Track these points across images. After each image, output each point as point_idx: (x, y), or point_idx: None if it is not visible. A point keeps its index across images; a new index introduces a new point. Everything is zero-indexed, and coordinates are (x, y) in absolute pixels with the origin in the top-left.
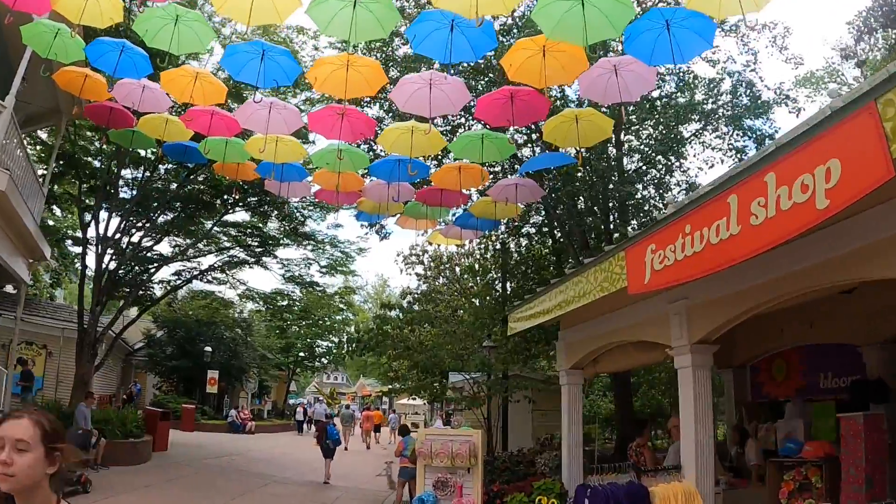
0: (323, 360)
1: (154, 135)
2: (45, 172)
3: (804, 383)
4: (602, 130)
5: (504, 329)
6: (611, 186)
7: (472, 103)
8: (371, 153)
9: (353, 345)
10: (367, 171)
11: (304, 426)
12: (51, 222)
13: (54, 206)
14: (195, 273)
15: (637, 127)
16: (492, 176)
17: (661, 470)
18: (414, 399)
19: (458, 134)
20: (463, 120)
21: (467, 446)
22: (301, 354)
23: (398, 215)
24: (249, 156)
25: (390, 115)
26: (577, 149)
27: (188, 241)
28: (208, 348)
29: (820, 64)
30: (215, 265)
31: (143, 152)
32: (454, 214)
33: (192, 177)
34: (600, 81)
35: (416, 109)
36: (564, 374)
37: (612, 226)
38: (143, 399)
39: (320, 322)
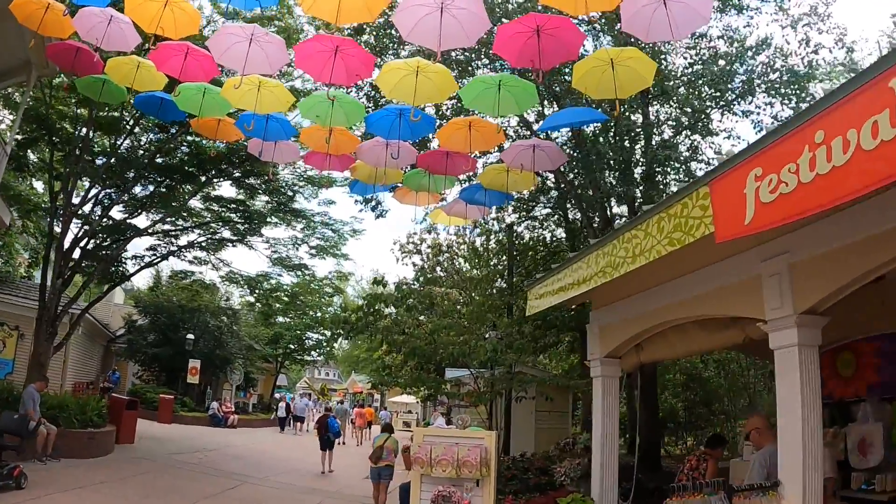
0: (313, 353)
1: (124, 82)
2: (10, 131)
3: (879, 380)
4: (642, 78)
5: (512, 319)
6: (638, 155)
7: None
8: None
9: (340, 326)
10: (362, 127)
11: (288, 423)
12: (27, 195)
13: (33, 179)
14: (172, 249)
15: (667, 92)
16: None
17: (756, 489)
18: (408, 396)
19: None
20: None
21: (477, 452)
22: (290, 346)
23: (396, 186)
24: (229, 107)
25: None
26: (613, 100)
27: (164, 213)
28: (190, 336)
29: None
30: (195, 241)
31: (117, 114)
32: (459, 186)
33: (171, 145)
34: (645, 13)
35: (422, 40)
36: (598, 363)
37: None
38: (121, 388)
39: (310, 312)
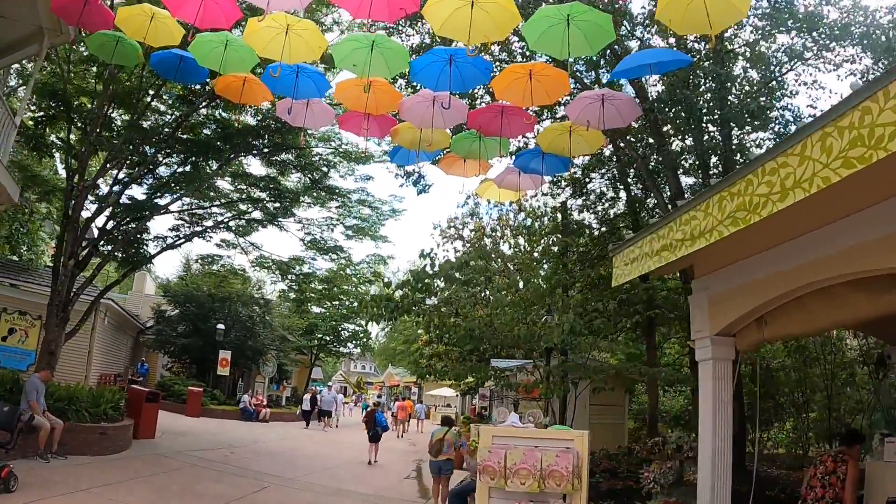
0: (349, 344)
1: (137, 36)
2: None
3: None
4: (736, 9)
5: (569, 298)
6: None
7: None
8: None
9: (382, 306)
10: (405, 79)
11: (312, 418)
12: (46, 176)
13: (53, 160)
14: (197, 230)
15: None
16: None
17: None
18: (447, 389)
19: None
20: None
21: (568, 459)
22: (325, 338)
23: (442, 153)
24: (255, 60)
25: None
26: (706, 35)
27: (187, 190)
28: (221, 326)
29: None
30: (222, 221)
31: (136, 82)
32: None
33: (194, 119)
34: None
35: None
36: (707, 343)
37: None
38: (150, 380)
39: (345, 301)
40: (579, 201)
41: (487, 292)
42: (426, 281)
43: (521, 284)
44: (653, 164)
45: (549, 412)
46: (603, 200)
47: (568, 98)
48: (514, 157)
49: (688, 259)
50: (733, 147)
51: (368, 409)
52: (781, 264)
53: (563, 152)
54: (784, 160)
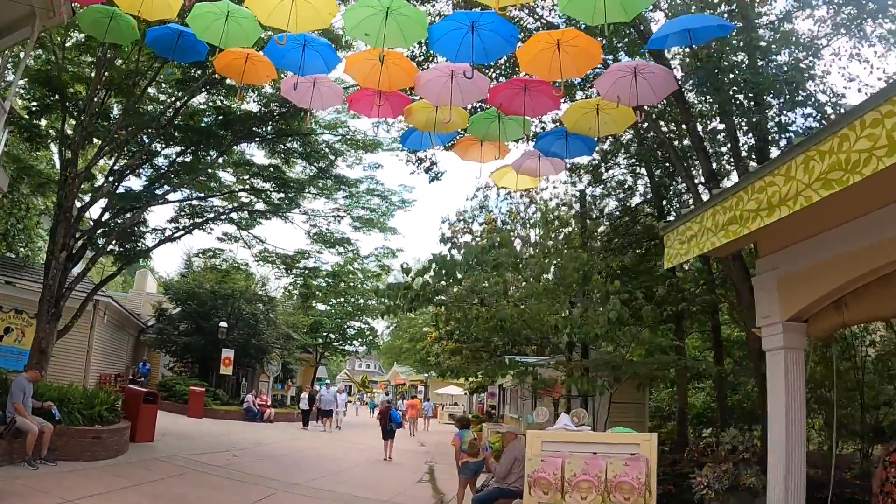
0: (355, 342)
1: (131, 9)
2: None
3: None
4: None
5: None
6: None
7: None
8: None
9: (400, 295)
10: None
11: (312, 418)
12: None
13: (48, 151)
14: (197, 220)
15: None
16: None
17: None
18: (454, 387)
19: None
20: None
21: (638, 468)
22: (331, 336)
23: (458, 136)
24: (259, 33)
25: None
26: None
27: (186, 179)
28: (223, 323)
29: None
30: (223, 212)
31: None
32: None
33: (193, 102)
34: None
35: None
36: (777, 330)
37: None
38: (152, 380)
39: (352, 300)
40: (598, 190)
41: (514, 282)
42: (451, 266)
43: (551, 271)
44: (680, 145)
45: (570, 411)
46: (623, 188)
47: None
48: (534, 139)
49: (751, 236)
50: (769, 127)
51: (383, 407)
52: (870, 237)
53: (588, 132)
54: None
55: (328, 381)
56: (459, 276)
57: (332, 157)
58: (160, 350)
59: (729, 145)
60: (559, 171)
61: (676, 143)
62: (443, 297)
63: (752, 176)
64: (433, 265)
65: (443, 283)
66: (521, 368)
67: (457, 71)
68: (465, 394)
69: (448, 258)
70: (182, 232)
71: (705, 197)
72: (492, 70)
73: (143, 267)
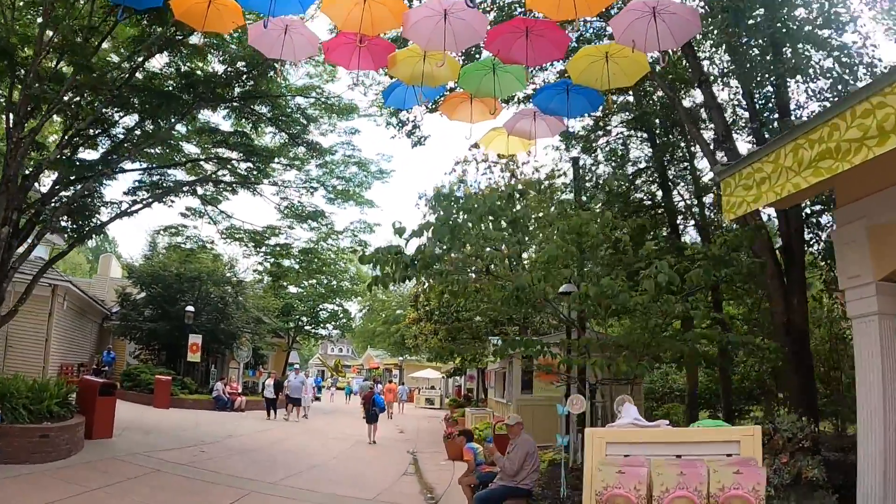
0: (328, 325)
1: None
2: None
3: None
4: None
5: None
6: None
7: None
8: None
9: (392, 261)
10: None
11: (275, 407)
12: None
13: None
14: (158, 192)
15: None
16: None
17: None
18: (431, 370)
19: None
20: None
21: (754, 476)
22: (303, 319)
23: (446, 93)
24: None
25: None
26: None
27: (145, 144)
28: (190, 308)
29: None
30: (186, 184)
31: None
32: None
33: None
34: None
35: None
36: (870, 292)
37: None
38: (116, 369)
39: (324, 280)
40: (590, 159)
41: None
42: (458, 220)
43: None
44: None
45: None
46: (618, 156)
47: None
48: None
49: (827, 182)
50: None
51: (367, 392)
52: None
53: (595, 84)
54: None
55: (296, 366)
56: (466, 235)
57: (305, 123)
58: (125, 337)
59: (745, 103)
60: (556, 133)
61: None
62: (443, 265)
63: (853, 98)
64: (436, 220)
65: (443, 246)
66: (535, 348)
67: (451, 9)
68: (442, 377)
69: (453, 209)
70: (140, 206)
71: (723, 159)
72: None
73: (108, 251)
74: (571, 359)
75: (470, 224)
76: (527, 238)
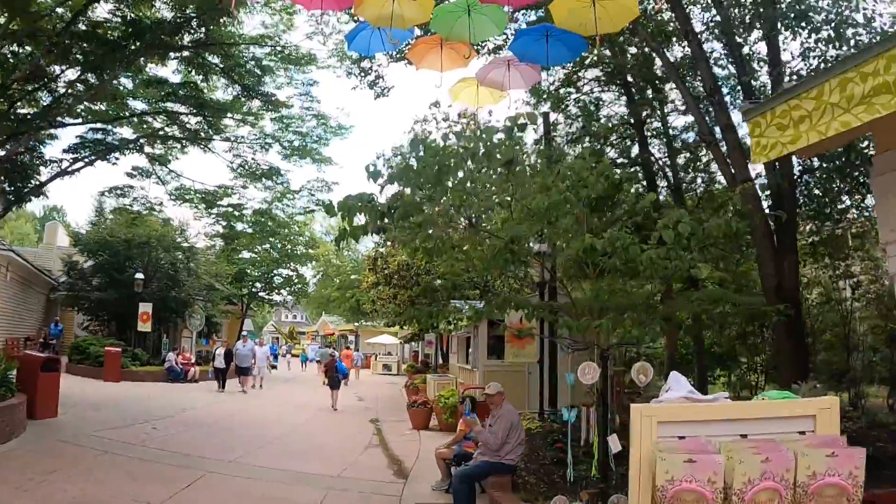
0: (283, 291)
1: None
2: None
3: None
4: None
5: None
6: None
7: None
8: None
9: (368, 212)
10: None
11: (226, 378)
12: None
13: None
14: (101, 150)
15: None
16: None
17: None
18: (388, 336)
19: None
20: None
21: (849, 461)
22: (257, 285)
23: (416, 37)
24: None
25: None
26: None
27: (87, 96)
28: (139, 275)
29: None
30: (131, 140)
31: None
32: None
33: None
34: None
35: None
36: None
37: None
38: (65, 342)
39: (278, 244)
40: (562, 116)
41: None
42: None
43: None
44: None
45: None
46: (590, 111)
47: None
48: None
49: (863, 127)
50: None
51: (329, 359)
52: None
53: (579, 29)
54: None
55: (245, 334)
56: (454, 179)
57: (259, 74)
58: (73, 308)
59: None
60: (531, 84)
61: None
62: (425, 215)
63: None
64: (414, 160)
65: (427, 193)
66: (527, 310)
67: None
68: (399, 343)
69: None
70: (82, 164)
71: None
72: None
73: (57, 220)
74: (570, 321)
75: (459, 166)
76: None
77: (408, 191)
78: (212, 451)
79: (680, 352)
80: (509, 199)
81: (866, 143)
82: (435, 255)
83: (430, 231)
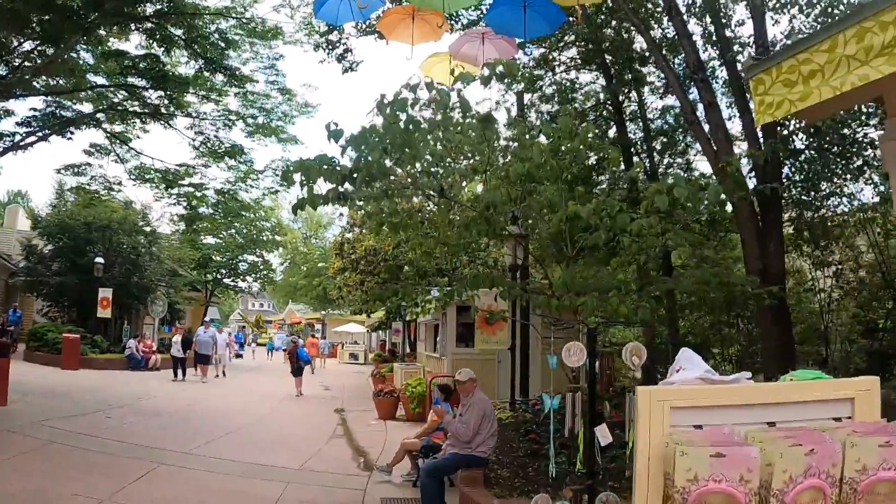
0: (248, 278)
1: None
2: None
3: None
4: None
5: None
6: None
7: None
8: None
9: (329, 178)
10: None
11: (184, 366)
12: None
13: None
14: (55, 123)
15: None
16: None
17: None
18: (355, 325)
19: None
20: None
21: None
22: (221, 271)
23: (386, 5)
24: None
25: None
26: None
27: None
28: (99, 259)
29: None
30: (88, 115)
31: None
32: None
33: None
34: None
35: None
36: None
37: None
38: (24, 328)
39: (243, 229)
40: (536, 97)
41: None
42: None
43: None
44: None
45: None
46: (566, 91)
47: None
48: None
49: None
50: None
51: (291, 346)
52: None
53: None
54: None
55: (207, 320)
56: (423, 141)
57: (224, 46)
58: (32, 293)
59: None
60: (506, 58)
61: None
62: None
63: None
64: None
65: (394, 156)
66: (503, 287)
67: None
68: (367, 331)
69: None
70: (36, 139)
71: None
72: None
73: (18, 203)
74: (548, 300)
75: (431, 128)
76: (498, 146)
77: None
78: (168, 442)
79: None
80: (484, 165)
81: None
82: (402, 230)
83: (398, 202)
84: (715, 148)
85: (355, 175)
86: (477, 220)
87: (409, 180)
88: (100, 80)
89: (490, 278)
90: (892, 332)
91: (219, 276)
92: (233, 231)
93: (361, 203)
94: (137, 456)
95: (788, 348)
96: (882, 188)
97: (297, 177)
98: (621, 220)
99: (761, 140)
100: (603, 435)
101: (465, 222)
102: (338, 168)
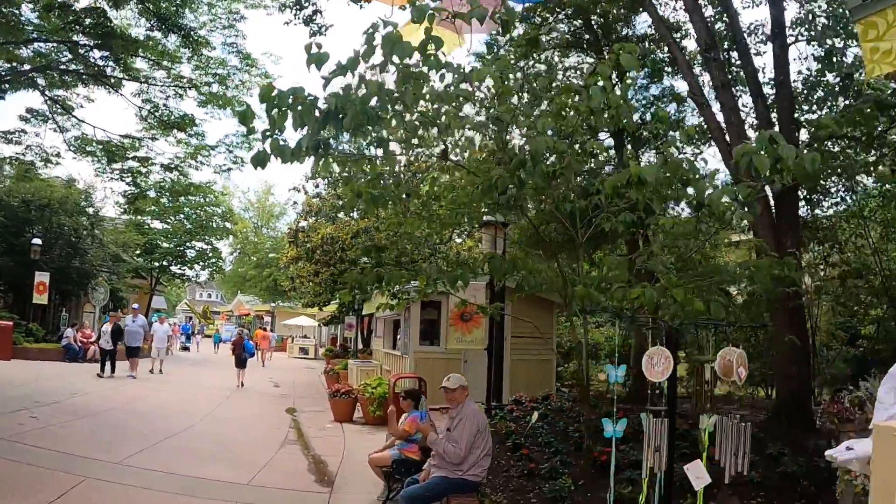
0: (196, 266)
1: None
2: None
3: None
4: None
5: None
6: None
7: None
8: None
9: (305, 120)
10: None
11: (113, 360)
12: None
13: None
14: None
15: None
16: None
17: None
18: (305, 318)
19: None
20: None
21: None
22: (168, 258)
23: None
24: None
25: None
26: None
27: None
28: (37, 240)
29: None
30: (21, 72)
31: None
32: None
33: None
34: None
35: None
36: None
37: None
38: None
39: (192, 214)
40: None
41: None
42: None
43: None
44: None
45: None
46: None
47: None
48: None
49: None
50: None
51: (237, 338)
52: None
53: None
54: None
55: (135, 307)
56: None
57: (179, 3)
58: None
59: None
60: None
61: None
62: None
63: None
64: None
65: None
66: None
67: None
68: (318, 325)
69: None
70: None
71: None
72: None
73: None
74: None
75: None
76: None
77: (363, 91)
78: (97, 449)
79: (627, 341)
80: (511, 115)
81: None
82: (380, 204)
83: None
84: (726, 135)
85: (340, 114)
86: (506, 175)
87: (407, 130)
88: (42, 46)
89: (522, 261)
90: (877, 339)
91: (165, 264)
92: (181, 216)
93: (338, 165)
94: (60, 467)
95: (804, 351)
96: (888, 187)
97: (259, 124)
98: (701, 185)
99: (777, 127)
100: (697, 475)
101: (496, 180)
102: (316, 103)
